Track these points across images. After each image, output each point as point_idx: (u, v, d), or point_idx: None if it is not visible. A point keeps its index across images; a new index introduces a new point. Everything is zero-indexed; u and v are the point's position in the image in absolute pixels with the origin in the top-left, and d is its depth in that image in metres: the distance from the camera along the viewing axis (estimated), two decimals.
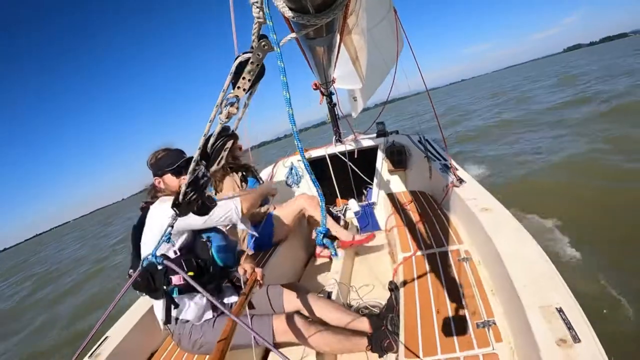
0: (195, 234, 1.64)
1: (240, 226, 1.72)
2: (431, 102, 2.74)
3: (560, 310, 1.07)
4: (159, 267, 1.44)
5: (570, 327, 1.00)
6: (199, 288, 1.07)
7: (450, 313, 1.47)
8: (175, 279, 1.54)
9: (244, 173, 2.84)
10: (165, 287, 1.52)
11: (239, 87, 0.78)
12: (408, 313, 1.56)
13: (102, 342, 1.75)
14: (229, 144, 0.96)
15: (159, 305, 1.60)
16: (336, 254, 1.12)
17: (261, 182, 3.00)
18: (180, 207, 0.94)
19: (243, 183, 2.80)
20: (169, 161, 1.66)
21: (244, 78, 0.77)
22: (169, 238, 1.09)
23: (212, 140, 0.91)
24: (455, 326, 1.39)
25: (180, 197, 0.93)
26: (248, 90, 0.80)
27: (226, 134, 0.94)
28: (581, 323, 1.01)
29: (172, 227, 1.04)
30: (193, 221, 1.51)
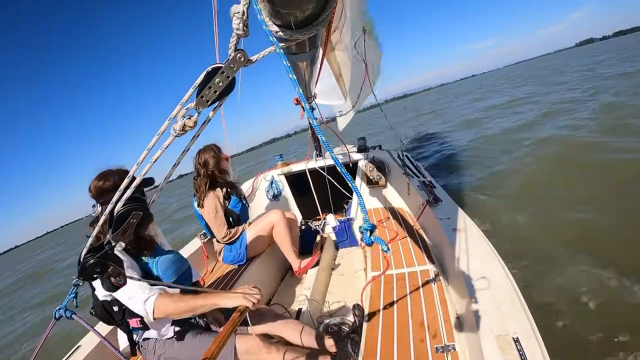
0: (142, 275, 1.56)
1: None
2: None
3: (516, 341, 1.05)
4: (115, 308, 1.46)
5: (524, 359, 0.99)
6: (107, 344, 1.08)
7: (412, 335, 1.46)
8: (133, 322, 1.52)
9: (228, 190, 2.80)
10: (125, 323, 1.52)
11: (202, 97, 0.72)
12: (370, 334, 1.54)
13: (74, 351, 1.80)
14: (137, 216, 0.88)
15: (122, 336, 1.62)
16: (388, 250, 1.08)
17: (244, 202, 2.95)
18: (80, 270, 0.87)
19: (226, 200, 2.76)
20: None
21: (210, 88, 0.72)
22: (75, 296, 1.03)
23: (118, 205, 0.85)
24: (414, 349, 1.37)
25: (81, 258, 0.86)
26: (212, 102, 0.74)
27: (136, 203, 0.88)
28: (537, 355, 0.99)
29: (77, 286, 0.98)
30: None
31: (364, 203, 0.99)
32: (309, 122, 4.06)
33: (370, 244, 1.03)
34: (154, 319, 1.42)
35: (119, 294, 1.42)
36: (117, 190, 1.45)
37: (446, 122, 16.20)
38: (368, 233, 1.01)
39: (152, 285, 1.47)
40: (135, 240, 1.57)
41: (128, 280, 1.39)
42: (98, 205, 1.45)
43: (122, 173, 1.48)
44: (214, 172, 2.72)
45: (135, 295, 1.40)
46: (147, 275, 1.56)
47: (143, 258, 1.57)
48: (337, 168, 0.93)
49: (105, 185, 1.45)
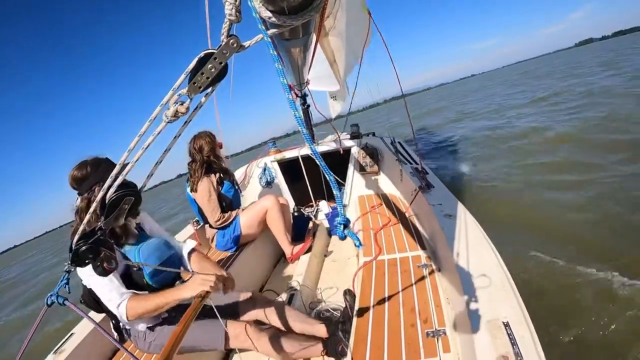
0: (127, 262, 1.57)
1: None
2: (406, 105, 2.79)
3: (506, 325, 1.06)
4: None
5: (514, 343, 0.99)
6: (100, 330, 1.18)
7: (402, 320, 1.47)
8: None
9: (221, 175, 2.80)
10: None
11: (194, 83, 0.71)
12: (361, 319, 1.56)
13: (67, 338, 1.79)
14: (129, 201, 0.88)
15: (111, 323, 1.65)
16: (360, 245, 1.09)
17: (237, 188, 2.95)
18: (72, 256, 0.87)
19: (219, 186, 2.77)
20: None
21: (202, 74, 0.71)
22: (67, 282, 1.04)
23: (111, 191, 0.84)
24: (405, 334, 1.39)
25: (73, 245, 0.86)
26: (205, 88, 0.74)
27: (128, 189, 0.88)
28: (527, 339, 1.00)
29: (69, 272, 0.98)
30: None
31: (341, 197, 0.99)
32: (300, 111, 4.04)
33: (343, 238, 1.04)
34: (129, 321, 1.46)
35: (99, 293, 1.45)
36: (90, 179, 1.44)
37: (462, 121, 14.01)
38: (342, 227, 1.03)
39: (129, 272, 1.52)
40: (111, 230, 1.57)
41: (102, 281, 1.41)
42: (77, 195, 1.48)
43: (95, 162, 1.49)
44: (209, 158, 2.73)
45: (111, 299, 1.43)
46: (129, 264, 1.56)
47: (126, 247, 1.56)
48: (316, 160, 0.93)
49: (80, 174, 1.46)
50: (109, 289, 1.43)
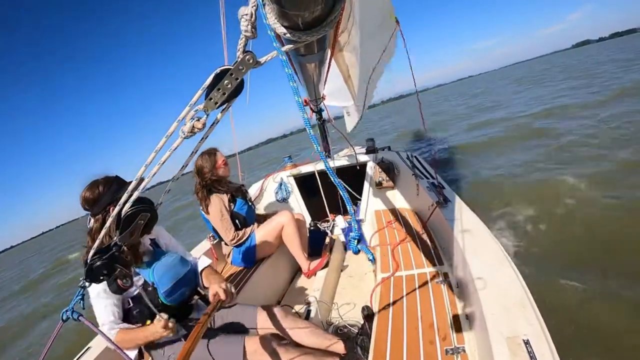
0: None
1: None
2: (419, 102, 2.81)
3: (527, 343, 1.04)
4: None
5: None
6: (112, 345, 1.17)
7: (421, 337, 1.45)
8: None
9: (233, 194, 2.80)
10: None
11: (210, 99, 0.72)
12: (379, 335, 1.54)
13: (84, 352, 1.80)
14: (144, 217, 0.89)
15: None
16: (374, 259, 1.09)
17: (250, 204, 2.95)
18: (87, 272, 0.88)
19: (231, 203, 2.77)
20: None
21: (218, 89, 0.72)
22: (82, 298, 1.06)
23: (126, 207, 0.85)
24: (424, 351, 1.37)
25: (88, 260, 0.87)
26: (221, 104, 0.74)
27: (144, 205, 0.88)
28: (547, 357, 0.98)
29: (84, 288, 0.99)
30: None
31: (356, 212, 1.00)
32: (318, 123, 4.07)
33: (356, 252, 1.04)
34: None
35: (97, 318, 1.46)
36: (103, 199, 1.45)
37: None
38: (355, 242, 1.02)
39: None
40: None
41: (99, 306, 1.43)
42: (89, 216, 1.49)
43: (107, 181, 1.51)
44: (209, 182, 2.72)
45: (103, 313, 1.46)
46: (144, 284, 1.57)
47: (139, 267, 1.56)
48: (331, 177, 0.93)
49: (92, 195, 1.48)
50: (102, 322, 1.45)
